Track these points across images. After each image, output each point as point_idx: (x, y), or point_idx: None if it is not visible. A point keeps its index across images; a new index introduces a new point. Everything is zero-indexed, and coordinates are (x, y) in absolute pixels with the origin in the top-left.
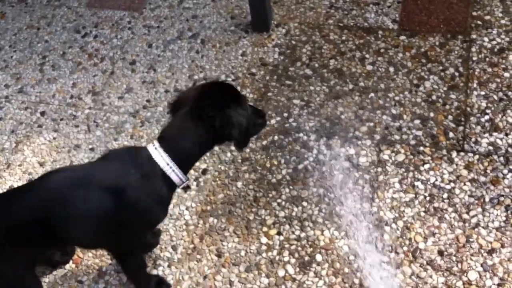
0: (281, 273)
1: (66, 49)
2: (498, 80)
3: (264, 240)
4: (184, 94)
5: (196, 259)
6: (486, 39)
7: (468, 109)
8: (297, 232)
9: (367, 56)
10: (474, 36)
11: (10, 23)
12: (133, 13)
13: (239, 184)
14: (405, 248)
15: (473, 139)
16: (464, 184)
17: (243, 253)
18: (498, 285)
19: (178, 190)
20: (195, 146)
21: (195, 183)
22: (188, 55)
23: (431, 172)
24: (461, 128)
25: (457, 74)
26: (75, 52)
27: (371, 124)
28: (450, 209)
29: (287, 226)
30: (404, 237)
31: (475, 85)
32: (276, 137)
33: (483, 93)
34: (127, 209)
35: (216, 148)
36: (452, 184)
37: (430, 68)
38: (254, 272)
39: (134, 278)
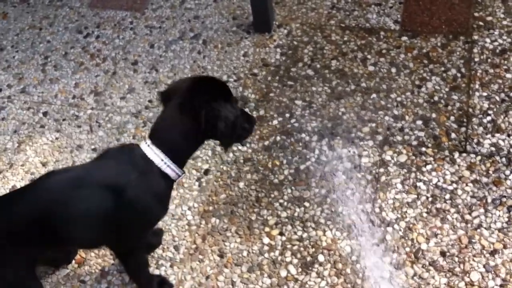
0: (283, 273)
1: (68, 50)
2: (500, 81)
3: (266, 240)
4: (177, 84)
5: (198, 259)
6: (488, 40)
7: (470, 110)
8: (299, 233)
9: (369, 56)
10: (476, 37)
11: (12, 23)
12: (135, 13)
13: (241, 184)
14: (407, 249)
15: (475, 140)
16: (466, 185)
17: (245, 253)
18: (501, 286)
19: (181, 191)
20: (185, 140)
21: (197, 183)
22: (190, 55)
23: (433, 173)
24: (463, 129)
25: (459, 75)
26: (77, 52)
27: (373, 124)
28: (452, 210)
29: (289, 227)
30: (407, 238)
31: (477, 86)
32: (278, 138)
33: (485, 94)
34: (127, 208)
35: (218, 148)
36: (454, 185)
37: (432, 69)
38: (256, 272)
39: (136, 278)
